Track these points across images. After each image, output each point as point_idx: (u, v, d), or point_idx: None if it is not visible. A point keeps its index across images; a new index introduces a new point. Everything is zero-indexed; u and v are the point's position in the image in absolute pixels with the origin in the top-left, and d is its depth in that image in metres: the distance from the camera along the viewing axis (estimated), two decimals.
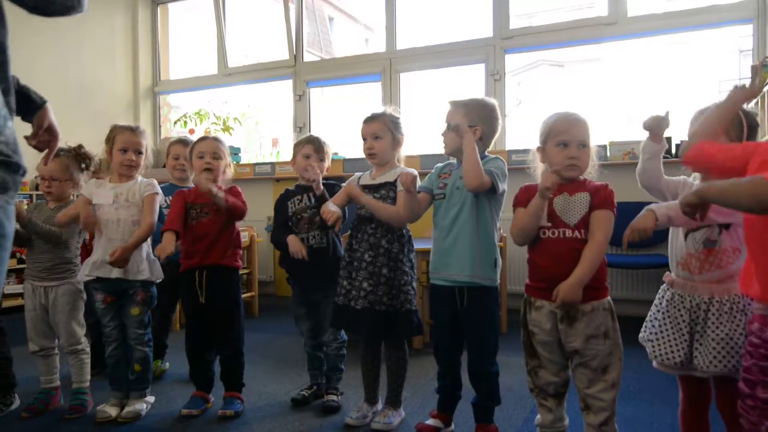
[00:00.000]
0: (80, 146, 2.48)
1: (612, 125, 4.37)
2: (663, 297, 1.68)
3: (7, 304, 4.09)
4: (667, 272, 1.69)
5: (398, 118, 2.29)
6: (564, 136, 1.76)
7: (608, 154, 4.15)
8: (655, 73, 4.31)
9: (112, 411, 2.37)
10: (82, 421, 2.37)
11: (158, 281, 2.48)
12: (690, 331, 1.58)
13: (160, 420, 2.37)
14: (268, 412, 2.43)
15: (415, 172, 2.07)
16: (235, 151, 5.39)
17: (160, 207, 2.81)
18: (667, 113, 1.68)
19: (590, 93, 4.52)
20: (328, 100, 5.54)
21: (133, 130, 2.43)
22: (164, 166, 3.29)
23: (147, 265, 2.40)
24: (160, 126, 6.21)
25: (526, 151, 1.94)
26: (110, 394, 2.45)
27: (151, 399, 2.52)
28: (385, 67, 5.11)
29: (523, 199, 1.85)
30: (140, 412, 2.39)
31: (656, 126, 1.69)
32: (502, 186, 2.00)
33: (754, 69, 3.40)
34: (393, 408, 2.28)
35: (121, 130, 2.43)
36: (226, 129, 5.74)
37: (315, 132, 3.00)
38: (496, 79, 4.70)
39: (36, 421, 2.38)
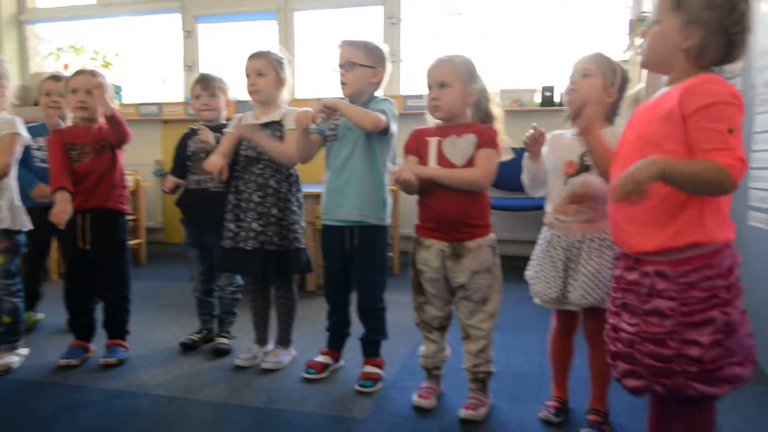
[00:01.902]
0: None
1: (504, 74, 4.52)
2: (543, 238, 1.78)
3: None
4: (547, 214, 1.79)
5: (283, 58, 2.24)
6: (427, 78, 1.81)
7: (498, 101, 4.30)
8: (545, 25, 4.47)
9: None
10: None
11: (22, 230, 2.29)
12: (565, 268, 1.69)
13: (34, 372, 2.24)
14: (155, 359, 2.37)
15: (309, 110, 2.02)
16: (117, 90, 5.00)
17: (29, 148, 2.59)
18: (536, 126, 1.74)
19: (486, 42, 4.60)
20: (220, 39, 5.22)
21: None
22: (36, 104, 3.00)
23: (8, 213, 2.20)
24: (28, 60, 5.60)
25: (420, 96, 1.96)
26: None
27: (24, 351, 2.36)
28: (280, 4, 4.90)
29: (412, 146, 1.89)
30: (11, 365, 2.25)
31: (532, 145, 1.74)
32: (394, 126, 2.01)
33: (631, 23, 3.63)
34: (283, 347, 2.31)
35: None
36: (106, 65, 5.30)
37: (205, 70, 2.85)
38: (393, 23, 4.66)
39: None
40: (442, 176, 1.77)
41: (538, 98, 4.22)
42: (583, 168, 1.67)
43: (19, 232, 2.27)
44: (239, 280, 2.49)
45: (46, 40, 5.67)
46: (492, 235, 1.86)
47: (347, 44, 2.05)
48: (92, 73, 2.30)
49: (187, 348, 2.45)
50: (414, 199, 1.91)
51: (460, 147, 1.80)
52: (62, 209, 2.13)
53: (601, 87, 1.68)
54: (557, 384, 1.88)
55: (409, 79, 4.67)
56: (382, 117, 1.94)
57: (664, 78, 1.36)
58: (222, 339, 2.45)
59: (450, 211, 1.80)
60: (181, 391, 2.06)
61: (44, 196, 2.41)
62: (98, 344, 2.41)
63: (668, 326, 1.23)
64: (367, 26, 4.83)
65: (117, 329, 2.40)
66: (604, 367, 1.57)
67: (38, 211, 2.35)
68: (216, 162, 2.15)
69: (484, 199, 1.85)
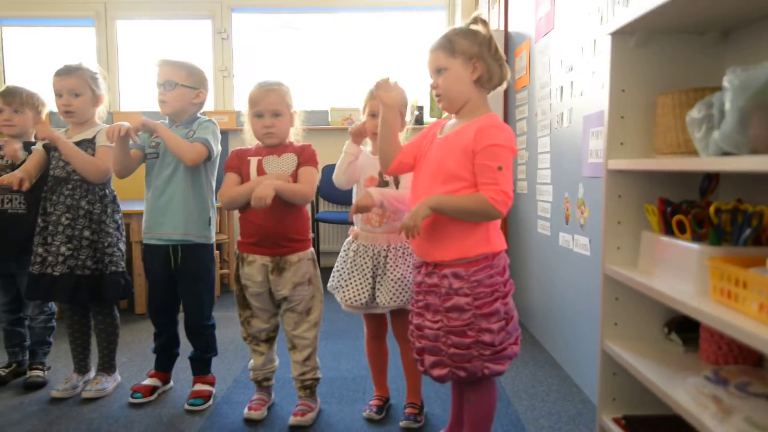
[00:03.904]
0: None
1: (335, 92, 4.73)
2: (349, 249, 1.94)
3: None
4: (352, 227, 1.97)
5: (97, 73, 2.16)
6: (258, 106, 1.89)
7: (330, 119, 4.50)
8: (373, 44, 4.77)
9: None
10: None
11: None
12: (373, 275, 1.87)
13: None
14: None
15: (126, 124, 1.97)
16: None
17: None
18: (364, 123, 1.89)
19: (321, 58, 4.78)
20: (31, 45, 4.79)
21: None
22: None
23: None
24: None
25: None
26: None
27: None
28: (99, 11, 4.64)
29: (233, 164, 1.95)
30: None
31: (356, 132, 1.89)
32: (216, 149, 2.06)
33: None
34: (106, 373, 2.23)
35: None
36: None
37: (11, 81, 2.64)
38: (223, 37, 4.65)
39: None
40: (281, 189, 1.81)
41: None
42: (383, 183, 1.87)
43: None
44: (53, 306, 2.35)
45: None
46: (311, 249, 1.99)
47: (167, 64, 2.05)
48: None
49: None
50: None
51: (280, 165, 1.91)
52: None
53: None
54: (377, 383, 2.06)
55: (242, 94, 4.69)
56: (201, 149, 1.99)
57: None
58: (35, 372, 2.29)
59: (271, 226, 1.89)
60: None
61: None
62: None
63: (466, 319, 1.47)
64: (196, 39, 4.75)
65: None
66: (415, 363, 1.77)
67: None
68: (13, 175, 2.04)
69: (303, 214, 1.98)
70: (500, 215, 1.44)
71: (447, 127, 1.57)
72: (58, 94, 2.10)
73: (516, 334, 1.54)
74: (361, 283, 1.87)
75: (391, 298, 1.84)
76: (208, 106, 4.59)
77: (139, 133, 1.99)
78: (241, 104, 4.64)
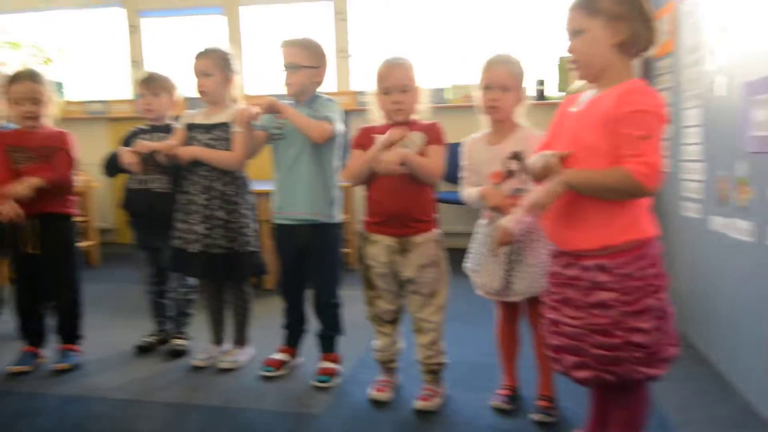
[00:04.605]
0: None
1: (453, 69, 4.60)
2: (483, 232, 1.84)
3: None
4: (486, 210, 1.87)
5: (229, 55, 2.22)
6: (386, 82, 1.85)
7: (450, 96, 4.39)
8: (493, 16, 4.58)
9: None
10: None
11: None
12: (508, 261, 1.77)
13: None
14: (111, 362, 2.36)
15: (254, 108, 2.03)
16: (59, 87, 4.85)
17: None
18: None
19: (435, 36, 4.67)
20: (166, 34, 5.13)
21: None
22: None
23: None
24: None
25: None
26: None
27: None
28: None
29: (361, 141, 1.93)
30: None
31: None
32: (340, 127, 2.06)
33: None
34: (239, 346, 2.34)
35: None
36: (46, 62, 5.12)
37: (151, 67, 2.81)
38: (342, 18, 4.67)
39: None
40: (408, 158, 1.77)
41: None
42: (509, 174, 1.75)
43: None
44: (191, 280, 2.50)
45: None
46: (437, 230, 1.93)
47: (290, 45, 2.07)
48: (33, 80, 2.23)
49: (143, 350, 2.44)
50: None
51: (407, 143, 1.86)
52: (10, 208, 2.12)
53: (517, 99, 1.78)
54: (507, 372, 1.97)
55: (360, 74, 4.71)
56: (328, 127, 2.00)
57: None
58: (178, 340, 2.45)
59: (397, 206, 1.86)
60: (138, 394, 2.06)
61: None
62: (51, 349, 2.38)
63: (612, 316, 1.31)
64: (316, 21, 4.82)
65: (69, 334, 2.38)
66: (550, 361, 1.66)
67: None
68: (127, 153, 2.21)
69: (429, 195, 1.92)
70: (647, 192, 1.26)
71: (582, 99, 1.42)
72: (195, 75, 2.18)
73: (674, 334, 1.37)
74: (495, 269, 1.78)
75: (528, 285, 1.74)
76: (330, 87, 4.66)
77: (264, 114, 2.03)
78: (360, 84, 4.69)
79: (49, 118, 2.29)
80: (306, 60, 2.05)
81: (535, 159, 1.41)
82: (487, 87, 1.77)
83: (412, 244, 1.87)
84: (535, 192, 1.34)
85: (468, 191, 1.84)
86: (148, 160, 2.24)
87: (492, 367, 2.18)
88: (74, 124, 4.70)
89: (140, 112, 2.44)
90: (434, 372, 1.95)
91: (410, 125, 1.88)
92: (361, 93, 4.39)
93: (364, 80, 4.65)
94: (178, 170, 2.25)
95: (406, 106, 1.86)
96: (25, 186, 2.13)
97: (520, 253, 1.75)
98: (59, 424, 1.87)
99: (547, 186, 1.31)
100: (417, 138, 1.86)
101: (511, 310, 1.91)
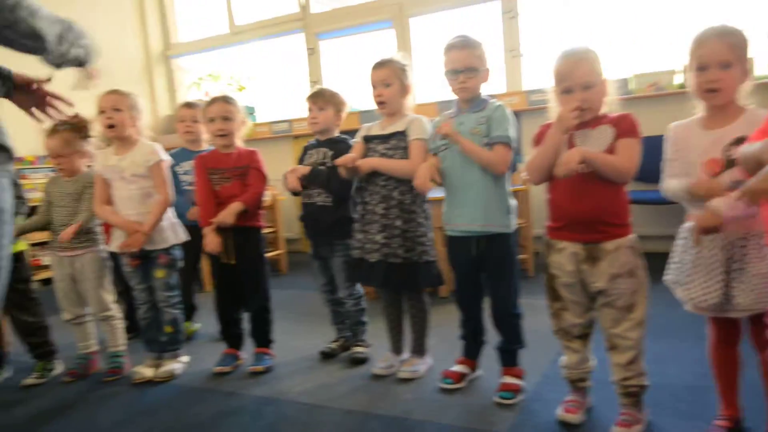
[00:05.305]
0: (75, 115, 2.37)
1: (635, 56, 4.18)
2: (689, 238, 1.58)
3: (44, 275, 4.21)
4: (692, 212, 1.61)
5: (406, 65, 2.21)
6: (567, 81, 1.67)
7: (633, 86, 3.99)
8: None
9: (148, 372, 2.45)
10: (120, 383, 2.46)
11: (181, 242, 2.50)
12: (725, 270, 1.50)
13: (194, 378, 2.45)
14: (298, 366, 2.48)
15: (424, 119, 2.04)
16: (250, 111, 5.35)
17: (176, 173, 2.82)
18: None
19: (611, 23, 4.30)
20: (340, 53, 5.40)
21: (109, 92, 2.35)
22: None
23: (170, 232, 2.43)
24: (175, 90, 6.17)
25: (544, 91, 1.86)
26: (146, 356, 2.53)
27: (185, 359, 2.59)
28: (395, 12, 4.95)
29: (542, 139, 1.78)
30: (174, 371, 2.47)
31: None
32: (513, 134, 1.96)
33: None
34: (418, 356, 2.30)
35: (99, 95, 2.36)
36: (240, 89, 5.69)
37: (329, 85, 2.94)
38: (511, 17, 4.51)
39: (78, 385, 2.48)
40: (590, 157, 1.61)
41: (678, 79, 3.85)
42: (729, 164, 1.47)
43: (175, 246, 2.48)
44: (360, 290, 2.51)
45: (188, 71, 6.22)
46: (632, 235, 1.71)
47: (458, 48, 1.98)
48: (226, 100, 2.44)
49: (327, 356, 2.54)
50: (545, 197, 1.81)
51: (594, 139, 1.68)
52: (213, 241, 2.34)
53: (742, 76, 1.49)
54: (726, 401, 1.67)
55: (531, 73, 4.50)
56: (506, 155, 1.94)
57: None
58: (358, 348, 2.50)
59: (583, 209, 1.67)
60: (323, 399, 2.13)
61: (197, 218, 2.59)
62: (247, 351, 2.58)
63: None
64: (483, 23, 4.72)
65: (262, 338, 2.55)
66: None
67: (189, 228, 2.56)
68: (289, 177, 2.36)
69: (621, 194, 1.70)
70: None
71: None
72: (373, 86, 2.20)
73: None
74: (710, 280, 1.51)
75: (755, 300, 1.45)
76: (499, 88, 4.53)
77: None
78: (531, 84, 4.49)
79: (240, 139, 2.49)
80: (477, 62, 1.97)
81: (749, 146, 1.16)
82: (701, 67, 1.51)
83: (603, 251, 1.68)
84: (758, 175, 1.09)
85: (672, 183, 1.59)
86: (309, 176, 2.36)
87: (702, 390, 1.89)
88: (263, 143, 5.18)
89: (307, 127, 2.55)
90: (633, 395, 1.72)
91: (597, 120, 1.69)
92: (532, 92, 4.18)
93: (536, 79, 4.44)
94: (341, 186, 2.31)
95: (591, 104, 1.67)
96: (230, 214, 2.34)
97: (743, 260, 1.47)
98: (254, 424, 1.99)
99: None
100: (605, 132, 1.67)
101: (729, 329, 1.62)
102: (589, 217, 1.68)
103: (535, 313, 2.25)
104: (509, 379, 2.03)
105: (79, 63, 1.39)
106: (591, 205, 1.67)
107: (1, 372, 2.60)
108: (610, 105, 1.72)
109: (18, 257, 2.48)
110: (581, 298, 1.76)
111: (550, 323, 1.86)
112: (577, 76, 1.65)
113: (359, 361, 2.44)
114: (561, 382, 1.91)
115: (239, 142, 2.48)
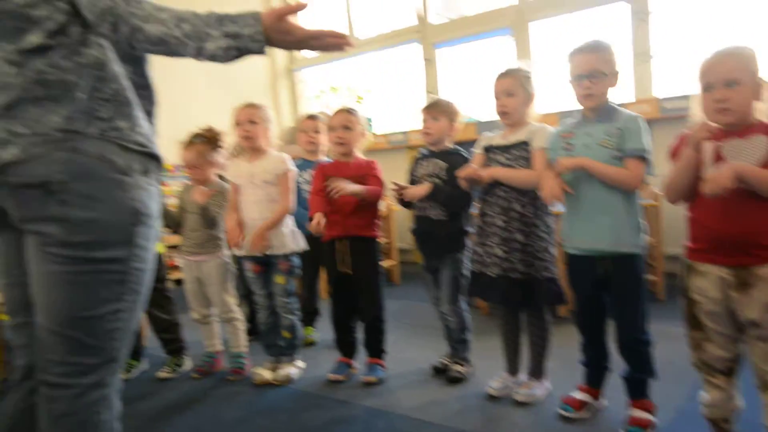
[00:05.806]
0: (209, 128, 2.61)
1: None
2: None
3: (177, 275, 4.54)
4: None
5: (530, 73, 2.13)
6: (707, 77, 1.50)
7: None
8: None
9: (267, 374, 2.54)
10: (242, 382, 2.58)
11: (300, 251, 2.57)
12: None
13: (309, 383, 2.50)
14: (409, 379, 2.46)
15: (549, 128, 1.95)
16: (368, 122, 5.45)
17: (298, 183, 2.92)
18: None
19: (756, 20, 3.87)
20: (457, 61, 5.36)
21: (245, 106, 2.49)
22: None
23: (290, 239, 2.52)
24: (297, 103, 6.46)
25: (679, 98, 1.70)
26: (265, 358, 2.63)
27: (301, 364, 2.66)
28: (514, 19, 4.82)
29: (681, 151, 1.62)
30: (291, 375, 2.54)
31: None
32: (649, 147, 1.80)
33: None
34: (536, 379, 2.19)
35: (236, 108, 2.51)
36: (359, 100, 5.83)
37: (445, 95, 2.91)
38: (641, 18, 4.22)
39: (204, 381, 2.64)
40: (746, 173, 1.42)
41: None
42: None
43: (295, 253, 2.56)
44: (464, 306, 2.43)
45: (309, 83, 6.48)
46: None
47: (587, 52, 1.85)
48: (348, 111, 2.50)
49: (438, 371, 2.49)
50: (679, 213, 1.64)
51: (746, 151, 1.49)
52: (318, 222, 2.36)
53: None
54: None
55: (663, 80, 4.17)
56: (641, 171, 1.79)
57: None
58: (456, 366, 2.42)
59: (733, 230, 1.49)
60: (435, 417, 2.08)
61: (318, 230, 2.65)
62: (360, 361, 2.60)
63: None
64: (610, 25, 4.45)
65: (375, 348, 2.56)
66: None
67: (309, 238, 2.63)
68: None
69: None
70: None
71: None
72: (496, 96, 2.14)
73: None
74: None
75: None
76: (627, 95, 4.24)
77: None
78: (664, 91, 4.15)
79: (360, 150, 2.53)
80: (604, 65, 1.84)
81: None
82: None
83: (756, 276, 1.48)
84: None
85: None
86: (430, 194, 2.30)
87: None
88: (380, 154, 5.24)
89: (420, 137, 2.52)
90: None
91: (748, 128, 1.51)
92: (665, 100, 3.87)
93: (669, 86, 4.10)
94: (460, 200, 2.26)
95: (733, 104, 1.48)
96: (353, 187, 2.36)
97: None
98: None
99: None
100: (760, 142, 1.48)
101: None
102: (740, 238, 1.49)
103: (667, 342, 2.06)
104: (638, 413, 1.86)
105: (238, 54, 1.16)
106: (743, 225, 1.48)
107: (139, 364, 2.82)
108: (766, 112, 1.53)
109: (156, 258, 2.69)
110: (728, 328, 1.57)
111: (685, 353, 1.68)
112: (719, 71, 1.49)
113: (455, 380, 2.37)
114: (700, 421, 1.71)
115: (358, 153, 2.52)
